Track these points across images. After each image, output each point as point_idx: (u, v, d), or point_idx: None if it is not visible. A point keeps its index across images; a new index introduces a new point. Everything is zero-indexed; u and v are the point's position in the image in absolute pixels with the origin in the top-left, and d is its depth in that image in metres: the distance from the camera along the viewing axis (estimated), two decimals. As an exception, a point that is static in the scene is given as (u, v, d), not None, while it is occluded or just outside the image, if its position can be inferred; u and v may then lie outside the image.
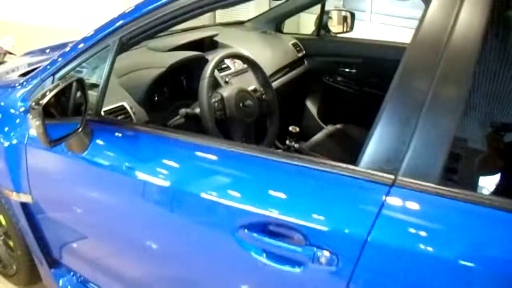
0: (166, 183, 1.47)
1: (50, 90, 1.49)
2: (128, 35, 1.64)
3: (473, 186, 1.21)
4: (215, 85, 2.21)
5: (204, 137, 1.57)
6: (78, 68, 1.81)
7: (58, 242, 2.09)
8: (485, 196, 1.04)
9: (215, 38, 2.89)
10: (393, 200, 1.07)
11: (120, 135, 1.66)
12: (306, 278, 1.18)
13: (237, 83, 2.48)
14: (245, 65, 2.57)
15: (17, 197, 2.03)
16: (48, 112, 1.50)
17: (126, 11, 1.67)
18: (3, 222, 2.35)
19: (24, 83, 2.03)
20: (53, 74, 1.87)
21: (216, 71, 2.36)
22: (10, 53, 4.58)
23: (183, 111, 2.01)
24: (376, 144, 1.11)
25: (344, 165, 1.15)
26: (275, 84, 2.75)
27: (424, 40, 1.15)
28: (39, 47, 3.09)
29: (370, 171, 1.10)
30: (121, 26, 1.65)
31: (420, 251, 1.02)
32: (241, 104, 2.02)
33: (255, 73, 2.39)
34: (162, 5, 1.56)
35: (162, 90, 2.27)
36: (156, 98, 2.26)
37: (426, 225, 1.04)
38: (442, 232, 1.03)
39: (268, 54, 2.99)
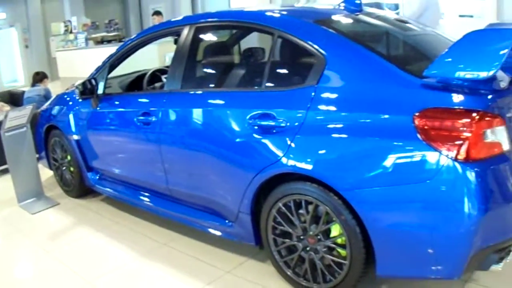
0: (127, 110, 3.97)
1: (81, 81, 4.11)
2: (112, 61, 4.24)
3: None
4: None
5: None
6: (96, 77, 4.35)
7: (91, 157, 4.59)
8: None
9: None
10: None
11: (111, 99, 4.21)
12: (152, 128, 3.64)
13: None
14: None
15: (73, 137, 4.61)
16: (84, 92, 4.12)
17: (111, 53, 4.28)
18: (69, 158, 4.90)
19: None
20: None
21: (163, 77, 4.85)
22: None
23: None
24: None
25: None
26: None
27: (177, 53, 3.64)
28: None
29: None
30: (109, 59, 4.26)
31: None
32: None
33: None
34: (122, 48, 4.17)
35: (135, 87, 4.84)
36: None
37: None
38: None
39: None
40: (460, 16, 8.19)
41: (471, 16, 8.08)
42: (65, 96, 4.97)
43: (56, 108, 4.98)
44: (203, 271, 3.40)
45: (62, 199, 5.10)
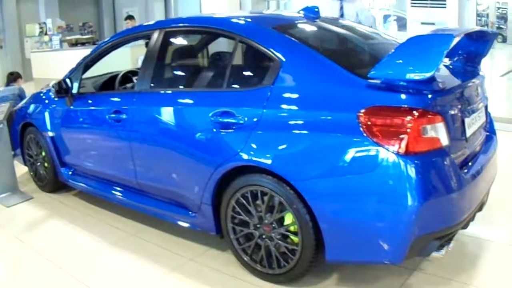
0: (100, 108, 4.20)
1: (57, 81, 4.32)
2: (87, 62, 4.47)
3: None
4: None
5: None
6: (71, 77, 4.57)
7: (65, 153, 4.79)
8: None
9: None
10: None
11: (85, 98, 4.44)
12: (123, 125, 3.87)
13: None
14: None
15: (48, 134, 4.82)
16: (59, 91, 4.33)
17: (85, 55, 4.51)
18: (43, 154, 5.09)
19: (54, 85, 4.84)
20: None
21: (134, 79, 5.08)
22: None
23: None
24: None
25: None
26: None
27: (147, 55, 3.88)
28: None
29: None
30: (83, 61, 4.49)
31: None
32: None
33: None
34: (96, 49, 4.40)
35: (108, 87, 5.03)
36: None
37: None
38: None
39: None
40: (423, 23, 8.57)
41: (433, 24, 8.45)
42: (41, 95, 5.17)
43: (32, 106, 5.17)
44: (168, 259, 3.64)
45: (36, 193, 5.29)
